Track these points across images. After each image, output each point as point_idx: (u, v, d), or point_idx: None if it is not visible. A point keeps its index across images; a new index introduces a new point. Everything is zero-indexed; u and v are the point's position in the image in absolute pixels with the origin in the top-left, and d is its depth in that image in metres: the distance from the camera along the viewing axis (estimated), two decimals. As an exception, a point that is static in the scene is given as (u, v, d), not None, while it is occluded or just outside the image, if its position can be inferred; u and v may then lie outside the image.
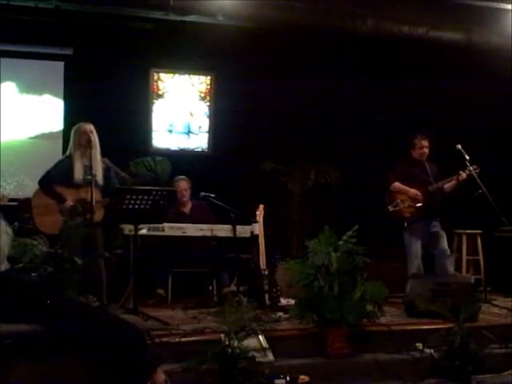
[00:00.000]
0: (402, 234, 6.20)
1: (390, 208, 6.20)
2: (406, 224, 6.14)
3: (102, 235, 5.36)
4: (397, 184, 6.23)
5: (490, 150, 7.20)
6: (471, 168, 5.97)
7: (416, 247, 6.13)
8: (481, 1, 6.76)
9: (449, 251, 6.22)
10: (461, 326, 4.16)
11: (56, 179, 5.30)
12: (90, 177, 5.03)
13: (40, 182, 5.36)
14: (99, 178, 5.25)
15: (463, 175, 6.00)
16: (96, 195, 5.03)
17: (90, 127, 5.34)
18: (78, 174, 5.26)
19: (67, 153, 5.45)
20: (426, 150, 6.23)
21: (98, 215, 5.10)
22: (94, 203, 4.93)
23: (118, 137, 6.69)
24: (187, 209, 6.53)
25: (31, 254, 4.19)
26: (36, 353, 2.89)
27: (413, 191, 6.14)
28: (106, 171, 5.40)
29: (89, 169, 5.12)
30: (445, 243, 6.18)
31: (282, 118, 7.58)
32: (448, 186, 6.10)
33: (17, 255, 3.99)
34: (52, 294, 3.14)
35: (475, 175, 5.94)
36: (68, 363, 2.92)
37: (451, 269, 6.17)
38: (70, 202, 5.23)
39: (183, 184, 6.49)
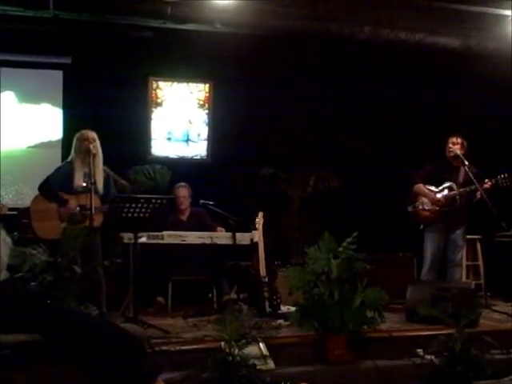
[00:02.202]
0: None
1: (409, 209, 6.20)
2: (421, 226, 6.11)
3: (101, 244, 5.36)
4: (419, 186, 6.18)
5: (487, 154, 7.19)
6: (500, 177, 5.83)
7: (429, 251, 6.10)
8: (478, 6, 6.76)
9: (460, 262, 6.18)
10: (461, 332, 4.14)
11: (56, 185, 5.30)
12: (89, 184, 5.04)
13: (40, 187, 5.36)
14: (99, 186, 5.25)
15: (487, 185, 5.85)
16: (95, 202, 5.03)
17: (93, 135, 5.34)
18: (78, 180, 5.27)
19: (68, 158, 5.47)
20: (453, 148, 6.06)
21: (97, 221, 5.11)
22: (93, 210, 4.92)
23: (117, 145, 6.68)
24: (185, 216, 6.54)
25: (30, 263, 4.18)
26: (35, 363, 2.88)
27: (430, 195, 6.10)
28: (106, 180, 5.41)
29: (88, 176, 5.12)
30: (458, 252, 6.11)
31: (280, 124, 7.59)
32: (479, 193, 5.88)
33: (16, 264, 3.99)
34: (51, 303, 3.14)
35: (503, 185, 5.81)
36: (67, 373, 2.91)
37: (458, 276, 6.15)
38: (73, 202, 5.23)
39: (183, 191, 6.49)
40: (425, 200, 6.14)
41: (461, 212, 6.08)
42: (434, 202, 6.07)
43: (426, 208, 6.11)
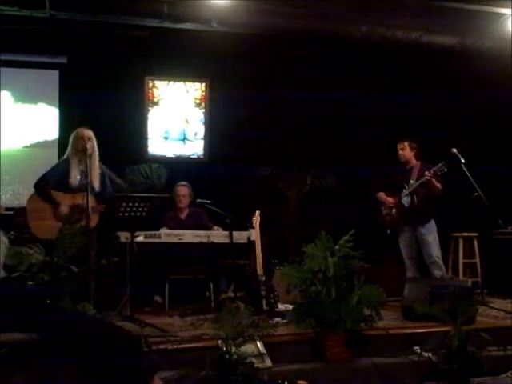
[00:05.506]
0: None
1: (378, 217, 6.50)
2: (388, 231, 6.41)
3: (98, 243, 5.35)
4: (379, 194, 6.50)
5: (485, 152, 7.21)
6: (436, 168, 6.03)
7: (405, 252, 6.40)
8: (475, 5, 6.77)
9: (433, 257, 6.26)
10: (458, 329, 4.14)
11: (53, 183, 5.30)
12: (85, 182, 5.03)
13: (36, 185, 5.36)
14: (96, 184, 5.26)
15: (427, 177, 6.07)
16: (91, 201, 5.02)
17: (88, 133, 5.34)
18: (74, 178, 5.27)
19: (64, 156, 5.46)
20: (402, 153, 6.37)
21: (93, 221, 5.10)
22: (89, 210, 4.91)
23: (114, 144, 6.68)
24: (183, 215, 6.53)
25: (27, 262, 4.18)
26: (33, 361, 2.88)
27: (386, 200, 6.42)
28: (102, 177, 5.40)
29: (85, 175, 5.12)
30: (429, 250, 6.26)
31: (277, 123, 7.59)
32: (435, 188, 6.12)
33: (13, 264, 3.99)
34: (48, 302, 3.13)
35: (440, 172, 6.02)
36: (64, 371, 2.91)
37: (438, 273, 6.22)
38: (64, 207, 5.23)
39: (183, 190, 6.47)
40: (386, 206, 6.45)
41: (421, 209, 6.26)
42: (390, 205, 6.37)
43: (385, 213, 6.43)
